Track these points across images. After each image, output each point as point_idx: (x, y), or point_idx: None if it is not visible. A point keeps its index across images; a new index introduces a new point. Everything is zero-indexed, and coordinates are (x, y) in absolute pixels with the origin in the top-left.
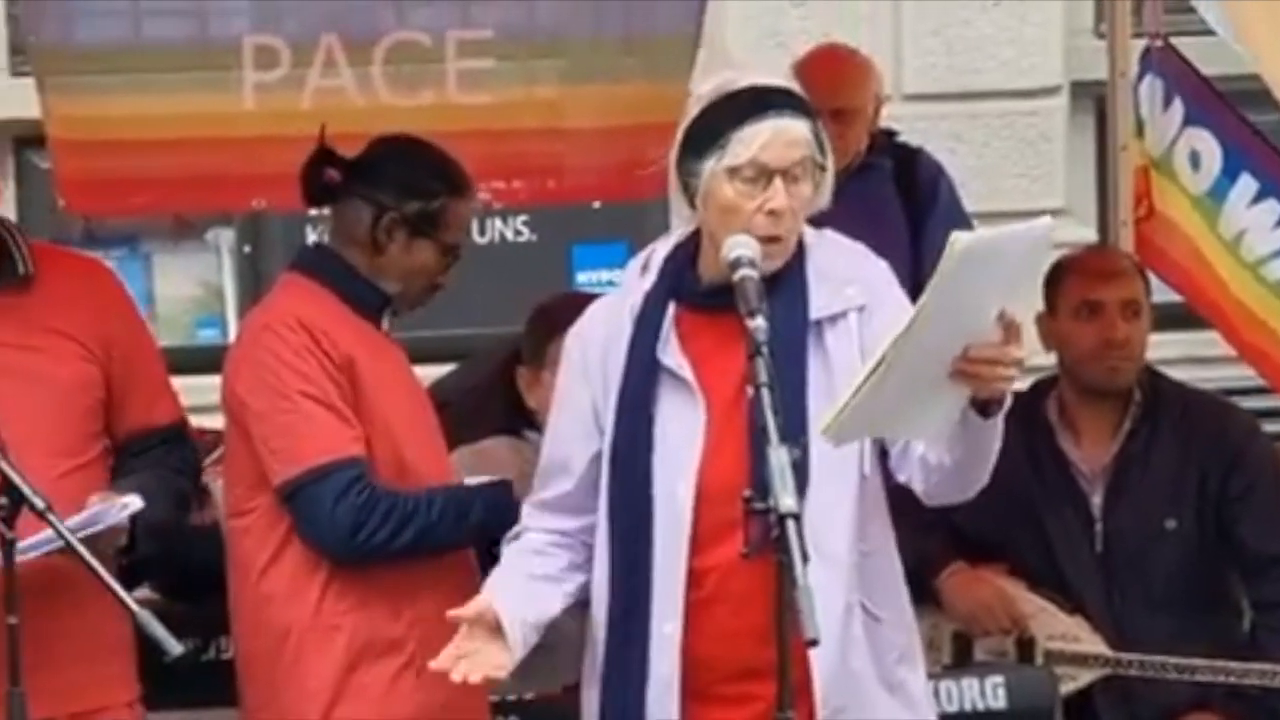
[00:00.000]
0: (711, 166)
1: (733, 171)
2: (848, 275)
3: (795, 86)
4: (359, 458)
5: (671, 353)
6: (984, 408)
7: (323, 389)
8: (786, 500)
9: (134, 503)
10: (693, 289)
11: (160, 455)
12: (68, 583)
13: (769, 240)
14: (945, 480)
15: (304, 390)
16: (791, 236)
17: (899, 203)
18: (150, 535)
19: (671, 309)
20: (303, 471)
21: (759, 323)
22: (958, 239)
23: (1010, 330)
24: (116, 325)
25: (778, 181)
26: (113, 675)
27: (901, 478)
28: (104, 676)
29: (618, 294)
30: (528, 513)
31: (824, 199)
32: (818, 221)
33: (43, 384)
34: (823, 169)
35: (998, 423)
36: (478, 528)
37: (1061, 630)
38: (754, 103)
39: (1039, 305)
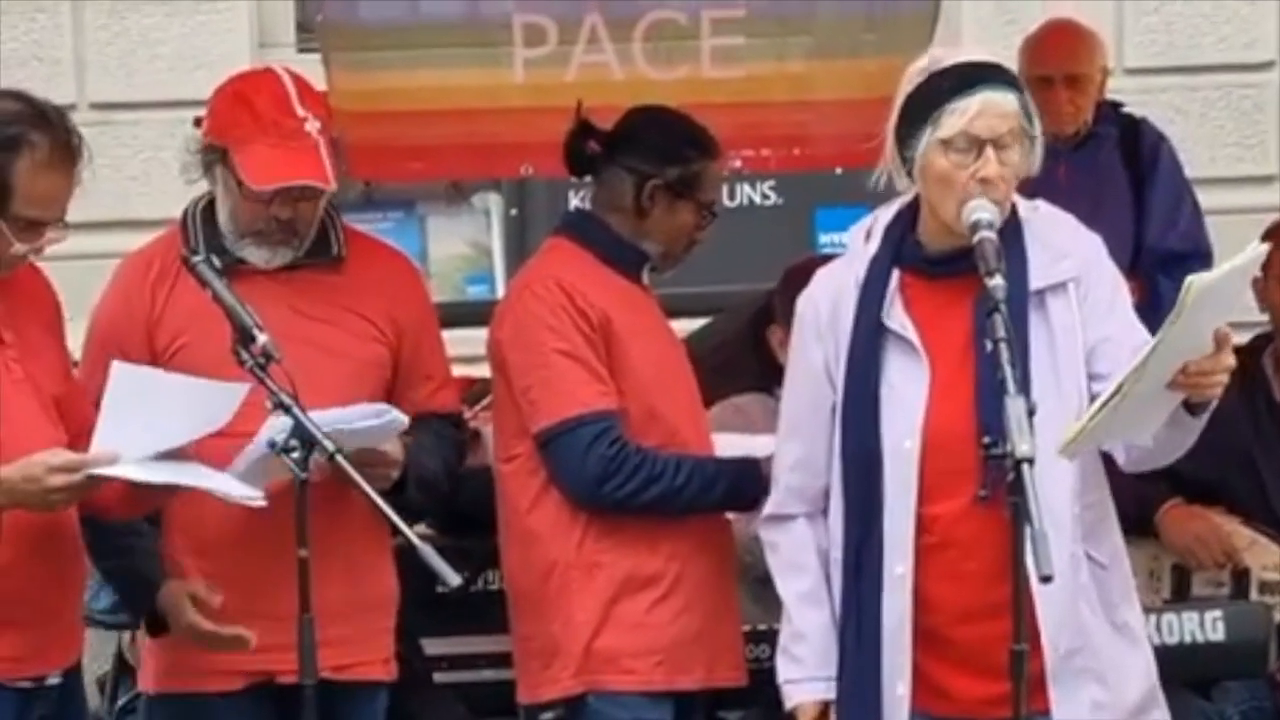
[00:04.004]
0: (926, 139)
1: (946, 143)
2: (1063, 249)
3: (1002, 62)
4: (611, 411)
5: (896, 315)
6: (1194, 408)
7: (576, 346)
8: (1023, 446)
9: (400, 418)
10: (916, 255)
11: (438, 426)
12: (343, 540)
13: None
14: (1145, 457)
15: (559, 347)
16: (1006, 201)
17: (1123, 169)
18: (419, 487)
19: (896, 275)
20: (556, 422)
21: (998, 281)
22: (1191, 284)
23: (1222, 341)
24: (411, 316)
25: (989, 151)
26: (375, 631)
27: (1104, 448)
28: (368, 633)
29: (844, 259)
30: (778, 488)
31: (1034, 165)
32: (1048, 188)
33: (339, 357)
34: (1032, 139)
35: (1204, 417)
36: (721, 499)
37: (1275, 561)
38: (964, 77)
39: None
